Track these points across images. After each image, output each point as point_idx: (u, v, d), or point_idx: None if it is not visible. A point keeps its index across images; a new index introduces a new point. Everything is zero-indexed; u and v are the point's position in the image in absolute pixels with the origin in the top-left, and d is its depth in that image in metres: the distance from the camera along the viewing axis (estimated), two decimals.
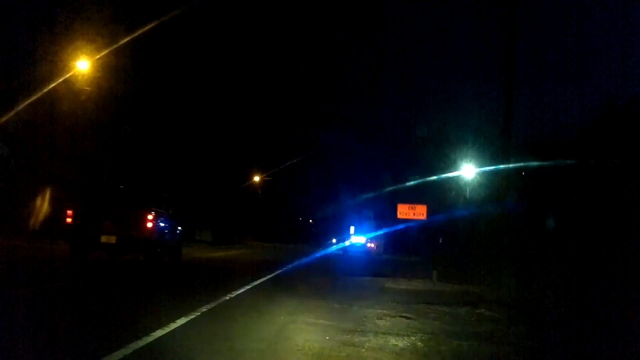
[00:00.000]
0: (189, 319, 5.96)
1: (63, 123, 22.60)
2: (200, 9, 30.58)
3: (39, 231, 18.87)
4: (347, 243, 49.25)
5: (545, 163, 15.88)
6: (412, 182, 24.09)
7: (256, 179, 48.74)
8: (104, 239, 11.33)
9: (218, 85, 35.83)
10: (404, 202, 24.68)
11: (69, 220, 11.54)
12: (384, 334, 6.15)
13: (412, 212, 23.82)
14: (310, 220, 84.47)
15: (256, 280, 10.83)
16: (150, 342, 4.76)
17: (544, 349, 6.21)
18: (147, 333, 4.99)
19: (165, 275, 11.43)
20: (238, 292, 8.61)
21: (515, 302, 10.12)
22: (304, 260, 23.14)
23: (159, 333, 5.12)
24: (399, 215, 24.16)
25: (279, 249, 36.62)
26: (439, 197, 23.34)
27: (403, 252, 40.03)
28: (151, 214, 11.74)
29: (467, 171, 22.33)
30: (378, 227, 49.11)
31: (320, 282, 12.56)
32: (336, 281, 13.21)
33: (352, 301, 8.80)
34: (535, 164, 15.97)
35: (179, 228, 14.37)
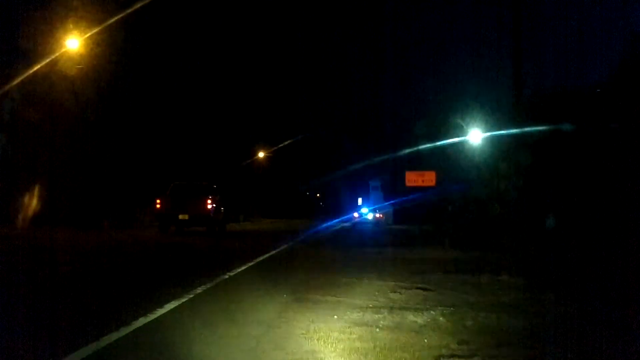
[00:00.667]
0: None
1: (59, 104, 21.98)
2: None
3: (34, 218, 18.40)
4: (355, 215, 48.68)
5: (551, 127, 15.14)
6: (420, 147, 23.25)
7: (260, 155, 47.99)
8: (180, 216, 17.54)
9: (220, 76, 35.77)
10: (412, 169, 24.08)
11: (158, 206, 17.88)
12: (400, 309, 5.47)
13: (421, 179, 23.23)
14: (317, 195, 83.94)
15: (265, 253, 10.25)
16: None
17: (581, 317, 5.51)
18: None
19: (220, 240, 16.09)
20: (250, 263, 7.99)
21: (534, 268, 9.46)
22: (313, 233, 22.56)
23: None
24: (408, 183, 23.58)
25: (286, 225, 36.06)
26: (447, 164, 22.59)
27: (412, 221, 39.26)
28: (209, 199, 17.90)
29: (474, 136, 21.57)
30: (386, 198, 48.48)
31: (328, 255, 11.93)
32: (345, 253, 12.55)
33: (362, 274, 8.13)
34: (541, 128, 15.24)
35: (222, 208, 19.92)
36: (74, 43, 18.12)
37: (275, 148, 48.28)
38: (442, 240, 13.51)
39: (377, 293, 6.46)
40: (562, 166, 13.77)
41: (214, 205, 18.21)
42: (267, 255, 11.10)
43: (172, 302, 5.43)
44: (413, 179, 21.83)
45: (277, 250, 12.61)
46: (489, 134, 18.80)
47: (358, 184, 55.64)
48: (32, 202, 19.33)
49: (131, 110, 26.52)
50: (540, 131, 14.89)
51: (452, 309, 5.49)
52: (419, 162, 24.36)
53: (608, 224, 11.90)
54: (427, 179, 21.79)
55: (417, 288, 6.80)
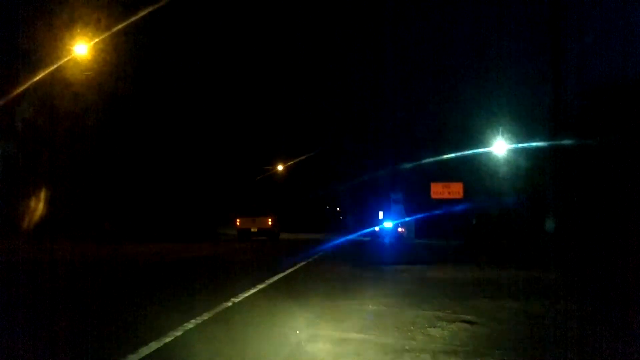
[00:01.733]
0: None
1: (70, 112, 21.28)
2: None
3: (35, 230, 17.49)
4: (376, 229, 47.15)
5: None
6: (447, 156, 21.87)
7: (279, 167, 46.93)
8: (252, 229, 25.40)
9: (230, 86, 35.45)
10: (436, 181, 22.67)
11: (237, 223, 25.67)
12: (445, 353, 4.17)
13: (447, 191, 21.75)
14: (338, 209, 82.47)
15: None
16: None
17: None
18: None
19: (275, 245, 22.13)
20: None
21: (593, 290, 8.04)
22: (332, 247, 21.25)
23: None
24: (433, 195, 22.13)
25: (306, 238, 34.78)
26: (475, 175, 21.17)
27: (437, 235, 37.71)
28: (270, 218, 25.87)
29: (499, 147, 20.16)
30: (408, 211, 46.87)
31: (348, 273, 10.64)
32: (368, 272, 11.23)
33: (390, 299, 6.84)
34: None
35: (277, 224, 27.36)
36: (81, 49, 17.30)
37: (294, 161, 47.28)
38: (477, 257, 12.09)
39: (412, 328, 5.16)
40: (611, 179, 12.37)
41: (273, 222, 26.32)
42: (291, 270, 10.07)
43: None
44: (439, 190, 20.38)
45: (294, 268, 11.38)
46: (524, 144, 17.28)
47: (379, 197, 54.06)
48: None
49: (142, 117, 25.92)
50: (582, 141, 13.47)
51: (515, 353, 4.17)
52: (443, 173, 22.93)
53: None
54: (453, 190, 20.32)
55: (462, 321, 5.48)
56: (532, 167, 16.03)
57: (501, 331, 5.04)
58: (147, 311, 5.81)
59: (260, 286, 7.93)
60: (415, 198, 46.76)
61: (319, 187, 64.57)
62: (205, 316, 5.45)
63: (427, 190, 22.12)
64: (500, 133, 17.43)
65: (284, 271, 10.33)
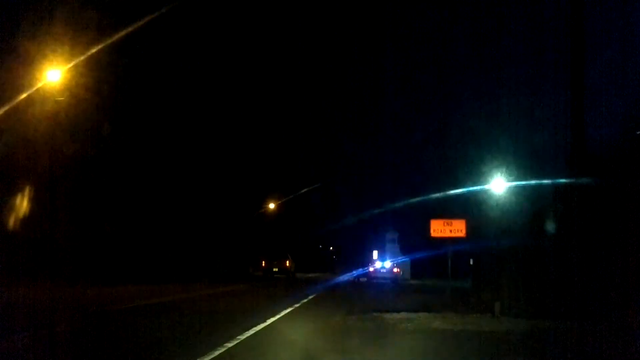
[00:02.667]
0: None
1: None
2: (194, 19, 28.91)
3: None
4: (370, 269, 45.55)
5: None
6: (443, 194, 20.60)
7: (271, 206, 45.35)
8: (274, 269, 32.74)
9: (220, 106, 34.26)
10: (435, 217, 21.23)
11: (263, 264, 33.31)
12: None
13: (449, 229, 20.10)
14: (331, 248, 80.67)
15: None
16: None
17: None
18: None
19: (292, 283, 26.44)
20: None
21: None
22: (324, 290, 19.78)
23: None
24: (433, 233, 20.47)
25: (300, 280, 33.15)
26: (475, 213, 19.79)
27: (435, 276, 36.12)
28: (289, 260, 33.63)
29: (498, 184, 18.93)
30: (404, 250, 45.36)
31: (342, 325, 9.16)
32: (364, 322, 9.74)
33: None
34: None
35: (293, 265, 34.74)
36: (54, 75, 16.08)
37: (286, 199, 45.91)
38: (484, 302, 10.63)
39: None
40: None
41: (290, 264, 33.80)
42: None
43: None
44: (439, 228, 18.90)
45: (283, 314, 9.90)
46: (547, 181, 15.85)
47: (374, 237, 52.58)
48: None
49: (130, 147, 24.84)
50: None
51: None
52: (443, 211, 21.47)
53: None
54: (455, 228, 18.84)
55: None
56: (542, 206, 14.72)
57: None
58: None
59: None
60: (412, 237, 45.33)
61: (312, 227, 63.03)
62: None
63: (426, 228, 20.60)
64: (506, 169, 16.15)
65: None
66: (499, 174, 17.96)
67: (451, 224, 20.09)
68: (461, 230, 19.99)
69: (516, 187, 16.88)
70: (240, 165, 37.77)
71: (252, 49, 44.23)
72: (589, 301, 9.84)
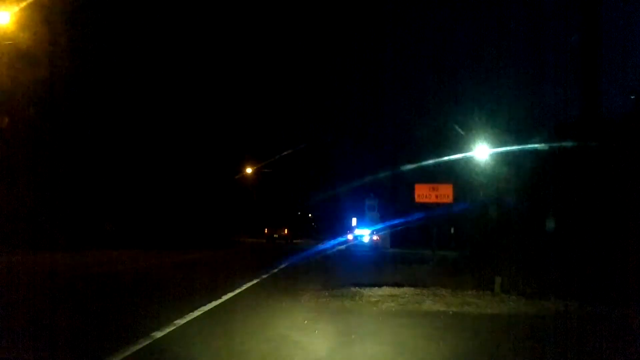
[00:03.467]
0: None
1: None
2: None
3: None
4: (349, 237, 44.28)
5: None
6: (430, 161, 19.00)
7: (248, 171, 43.38)
8: (275, 236, 39.76)
9: (218, 82, 33.35)
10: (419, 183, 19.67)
11: (266, 231, 40.40)
12: None
13: (434, 194, 18.48)
14: (309, 215, 79.37)
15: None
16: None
17: None
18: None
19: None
20: None
21: None
22: (302, 257, 18.44)
23: None
24: (418, 199, 18.86)
25: (278, 247, 31.73)
26: (458, 180, 18.28)
27: (415, 245, 34.87)
28: (287, 229, 41.21)
29: (481, 152, 17.47)
30: (383, 218, 44.01)
31: (307, 304, 7.57)
32: (336, 299, 8.16)
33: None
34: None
35: (291, 232, 41.47)
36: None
37: (265, 163, 44.10)
38: (484, 276, 9.09)
39: None
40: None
41: (288, 232, 40.37)
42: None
43: None
44: (424, 193, 17.39)
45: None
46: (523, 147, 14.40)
47: (354, 203, 51.13)
48: None
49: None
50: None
51: None
52: (422, 178, 19.80)
53: None
54: (441, 193, 17.35)
55: None
56: (534, 168, 13.19)
57: None
58: None
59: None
60: (391, 204, 43.98)
61: (291, 193, 61.44)
62: None
63: (411, 194, 19.00)
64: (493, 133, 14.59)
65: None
66: (484, 140, 16.55)
67: (437, 189, 18.48)
68: (448, 196, 18.41)
69: (510, 151, 15.38)
70: (220, 132, 36.24)
71: (238, 15, 42.38)
72: (599, 280, 8.38)
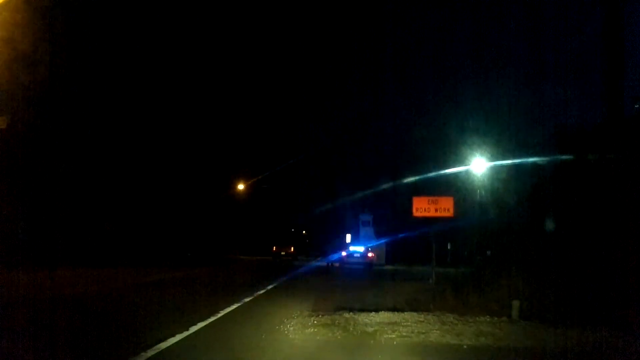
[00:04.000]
0: None
1: None
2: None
3: None
4: (343, 253, 42.90)
5: None
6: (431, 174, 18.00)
7: (240, 187, 42.16)
8: (282, 253, 41.46)
9: (210, 89, 32.63)
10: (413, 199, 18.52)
11: (274, 249, 41.71)
12: None
13: (434, 207, 17.12)
14: (304, 232, 77.95)
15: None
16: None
17: None
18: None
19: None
20: None
21: None
22: (293, 275, 17.22)
23: None
24: (416, 213, 17.49)
25: (272, 265, 30.37)
26: (459, 194, 17.30)
27: (412, 261, 33.60)
28: (293, 247, 43.47)
29: (478, 165, 16.56)
30: (379, 234, 42.73)
31: (291, 336, 6.31)
32: (327, 329, 6.91)
33: None
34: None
35: (296, 250, 43.40)
36: None
37: (259, 178, 43.10)
38: (498, 300, 7.86)
39: None
40: None
41: (293, 249, 42.22)
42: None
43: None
44: (423, 207, 16.10)
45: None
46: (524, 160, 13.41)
47: (348, 220, 49.80)
48: None
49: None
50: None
51: None
52: (429, 191, 18.67)
53: None
54: (441, 207, 16.08)
55: None
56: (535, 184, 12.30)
57: None
58: None
59: None
60: (390, 220, 42.58)
61: (284, 210, 60.13)
62: None
63: (409, 208, 17.80)
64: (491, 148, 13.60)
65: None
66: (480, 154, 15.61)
67: (437, 202, 17.14)
68: (448, 210, 17.07)
69: (518, 164, 14.41)
70: (210, 149, 35.36)
71: (238, 15, 41.87)
72: (622, 301, 7.19)
